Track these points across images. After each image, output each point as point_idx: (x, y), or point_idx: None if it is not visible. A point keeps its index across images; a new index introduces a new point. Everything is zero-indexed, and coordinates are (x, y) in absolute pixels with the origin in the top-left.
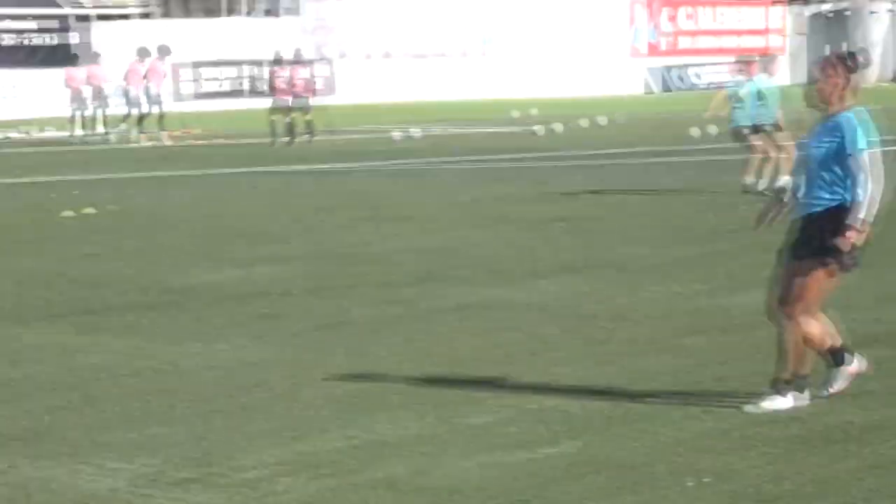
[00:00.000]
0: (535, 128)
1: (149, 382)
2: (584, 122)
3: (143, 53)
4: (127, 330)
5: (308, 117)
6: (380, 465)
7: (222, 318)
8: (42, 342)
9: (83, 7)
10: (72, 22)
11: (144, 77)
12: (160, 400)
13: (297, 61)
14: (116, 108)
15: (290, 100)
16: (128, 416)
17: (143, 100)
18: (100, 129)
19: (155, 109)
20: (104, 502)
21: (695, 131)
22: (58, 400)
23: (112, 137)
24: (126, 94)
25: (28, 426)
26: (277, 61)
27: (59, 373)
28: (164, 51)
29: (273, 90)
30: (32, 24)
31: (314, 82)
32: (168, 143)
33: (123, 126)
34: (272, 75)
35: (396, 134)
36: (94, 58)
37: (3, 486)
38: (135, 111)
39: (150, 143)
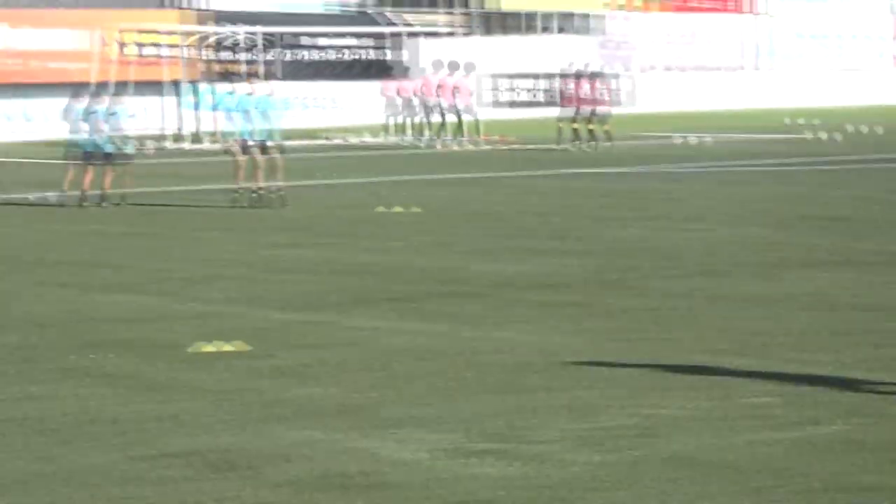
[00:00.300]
0: (807, 135)
1: (448, 364)
2: (862, 129)
3: (452, 67)
4: (430, 316)
5: (592, 126)
6: (658, 441)
7: (516, 306)
8: (357, 326)
9: (397, 26)
10: (387, 40)
11: (453, 89)
12: (459, 380)
13: (585, 75)
14: (424, 116)
15: (583, 109)
16: (430, 394)
17: (450, 109)
18: (408, 135)
19: (464, 118)
20: (411, 469)
21: None
22: (371, 379)
23: (421, 143)
24: (436, 104)
25: (344, 401)
26: (577, 74)
27: (372, 355)
28: (469, 67)
29: (564, 100)
30: (353, 41)
31: (603, 93)
32: (472, 147)
33: (428, 134)
34: (566, 86)
35: (678, 139)
36: (405, 71)
37: (318, 451)
38: (443, 119)
39: (456, 148)
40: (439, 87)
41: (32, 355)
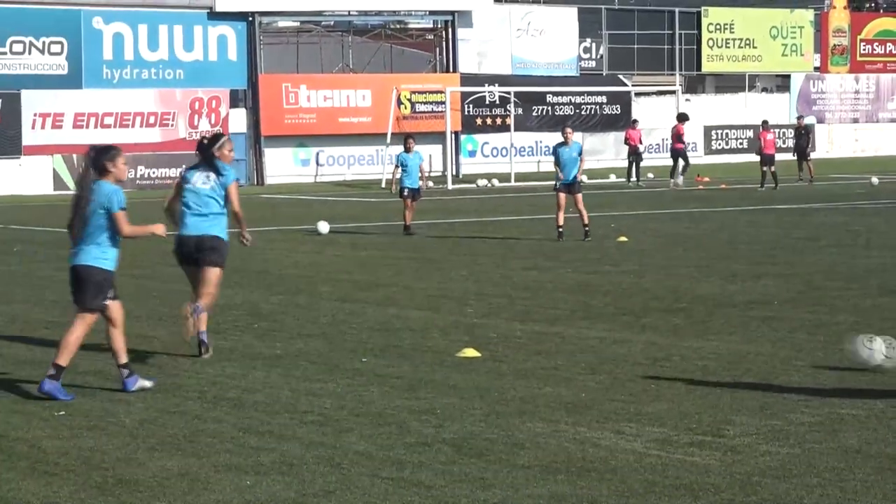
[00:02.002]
0: None
1: (659, 368)
2: None
3: (682, 118)
4: (649, 329)
5: (773, 168)
6: (837, 436)
7: (720, 320)
8: (584, 336)
9: (631, 86)
10: (626, 96)
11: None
12: (665, 382)
13: (768, 127)
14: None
15: (772, 155)
16: (644, 394)
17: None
18: (633, 177)
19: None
20: (626, 457)
21: None
22: (595, 381)
23: (642, 183)
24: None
25: (572, 399)
26: (765, 124)
27: (596, 360)
28: (682, 118)
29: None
30: (593, 98)
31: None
32: (700, 187)
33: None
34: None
35: (874, 180)
36: (633, 123)
37: (550, 441)
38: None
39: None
40: (679, 135)
41: (329, 357)
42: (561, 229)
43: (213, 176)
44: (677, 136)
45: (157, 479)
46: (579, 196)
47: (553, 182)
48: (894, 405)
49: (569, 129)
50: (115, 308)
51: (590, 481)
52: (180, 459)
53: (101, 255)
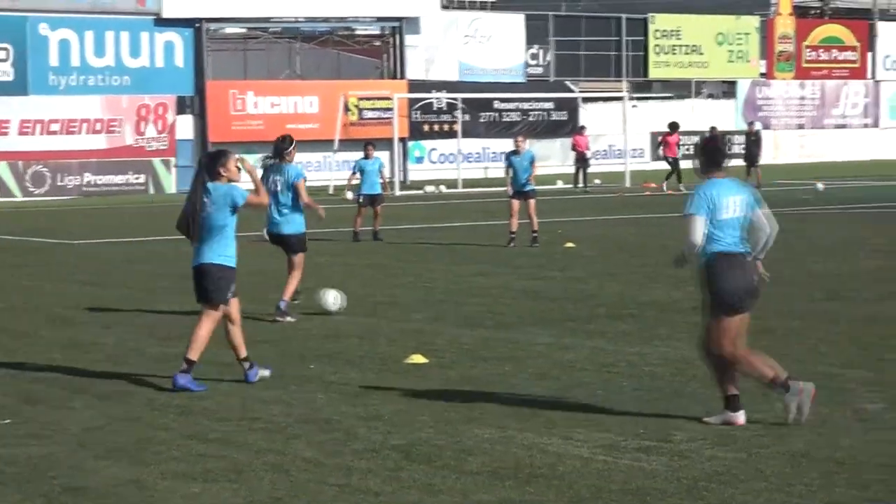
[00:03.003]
0: None
1: (606, 374)
2: None
3: (673, 127)
4: (596, 335)
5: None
6: (783, 441)
7: (667, 326)
8: (532, 342)
9: (578, 92)
10: (573, 103)
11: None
12: (613, 388)
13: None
14: (598, 167)
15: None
16: (591, 400)
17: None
18: (580, 183)
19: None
20: (574, 462)
21: None
22: (542, 387)
23: (589, 189)
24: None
25: (519, 405)
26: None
27: (544, 366)
28: (674, 126)
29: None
30: (539, 105)
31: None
32: (647, 193)
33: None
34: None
35: (820, 185)
36: (580, 129)
37: (498, 447)
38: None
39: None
40: (667, 144)
41: (277, 364)
42: (513, 235)
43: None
44: (669, 145)
45: (105, 486)
46: (532, 202)
47: (505, 189)
48: (839, 410)
49: (520, 138)
50: (234, 305)
51: (538, 487)
52: (128, 467)
53: (224, 253)
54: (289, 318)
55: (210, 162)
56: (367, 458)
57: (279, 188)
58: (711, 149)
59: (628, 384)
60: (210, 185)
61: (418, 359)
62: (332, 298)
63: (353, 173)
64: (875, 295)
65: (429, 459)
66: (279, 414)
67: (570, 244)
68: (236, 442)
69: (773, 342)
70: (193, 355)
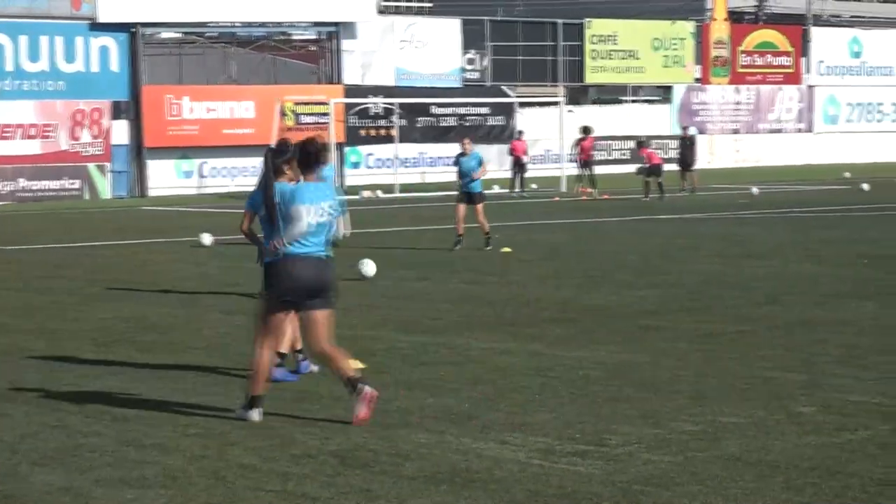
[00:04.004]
0: (864, 185)
1: (543, 378)
2: None
3: (586, 131)
4: (532, 339)
5: (660, 179)
6: (719, 444)
7: (604, 330)
8: (469, 347)
9: (515, 97)
10: (510, 107)
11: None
12: (549, 392)
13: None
14: (536, 172)
15: (659, 166)
16: (528, 404)
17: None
18: (517, 188)
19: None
20: (510, 467)
21: None
22: (479, 391)
23: (526, 194)
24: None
25: (456, 410)
26: (640, 143)
27: (480, 371)
28: (587, 130)
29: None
30: (476, 109)
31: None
32: (583, 198)
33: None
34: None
35: (755, 190)
36: (518, 134)
37: (435, 451)
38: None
39: (584, 198)
40: (582, 147)
41: (213, 370)
42: (459, 238)
43: None
44: (583, 149)
45: (39, 494)
46: (479, 207)
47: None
48: (775, 413)
49: (466, 140)
50: None
51: (474, 491)
52: (62, 474)
53: None
54: None
55: (274, 157)
56: (303, 463)
57: None
58: (304, 153)
59: (564, 388)
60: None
61: (355, 364)
62: (371, 267)
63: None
64: (810, 298)
65: (365, 465)
66: (215, 420)
67: (507, 249)
68: (171, 448)
69: (710, 345)
70: (283, 349)
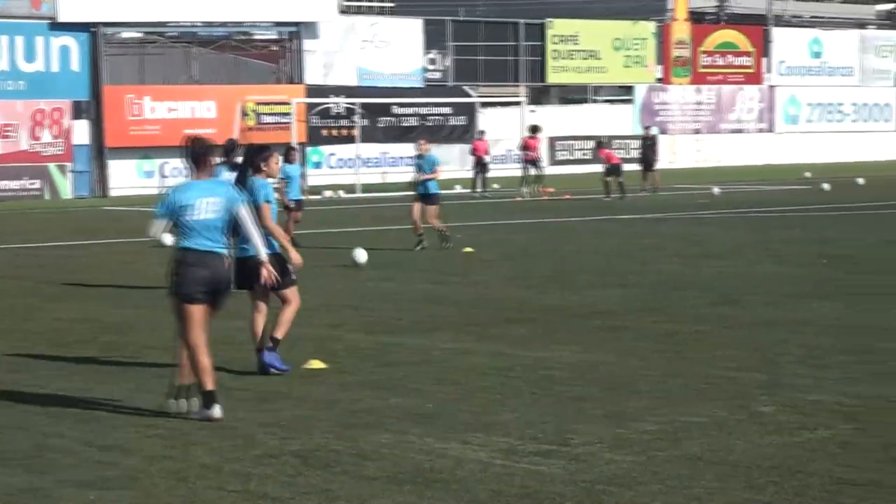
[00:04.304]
0: (824, 185)
1: (505, 378)
2: (859, 181)
3: (535, 130)
4: (495, 339)
5: (621, 179)
6: (681, 444)
7: (566, 330)
8: (431, 347)
9: (476, 97)
10: (472, 107)
11: (533, 147)
12: (511, 392)
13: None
14: (498, 172)
15: (619, 165)
16: (491, 404)
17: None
18: (479, 188)
19: (535, 172)
20: (472, 467)
21: None
22: (442, 391)
23: (488, 194)
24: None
25: (418, 410)
26: (599, 143)
27: (442, 371)
28: (535, 129)
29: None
30: (438, 109)
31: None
32: (545, 198)
33: (497, 186)
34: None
35: (716, 190)
36: (479, 134)
37: (397, 452)
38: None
39: (529, 198)
40: (528, 146)
41: (174, 370)
42: (420, 237)
43: None
44: (530, 147)
45: (1, 495)
46: (432, 209)
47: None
48: (736, 413)
49: (422, 141)
50: (262, 295)
51: (436, 492)
52: (24, 475)
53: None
54: None
55: (251, 155)
56: (265, 463)
57: None
58: (192, 151)
59: (527, 388)
60: (250, 179)
61: (317, 364)
62: (362, 256)
63: (282, 179)
64: (770, 298)
65: (327, 465)
66: (177, 420)
67: (468, 249)
68: (133, 449)
69: (672, 345)
70: (279, 334)
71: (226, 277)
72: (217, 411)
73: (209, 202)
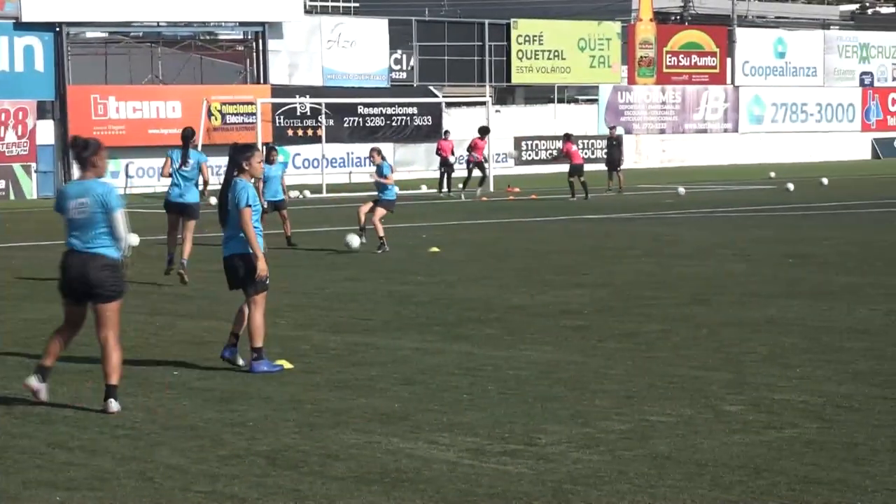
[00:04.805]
0: (789, 185)
1: (472, 378)
2: (824, 181)
3: (483, 132)
4: (462, 339)
5: (583, 178)
6: (647, 443)
7: (533, 330)
8: (398, 347)
9: (442, 97)
10: (437, 107)
11: (480, 149)
12: (478, 392)
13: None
14: (463, 172)
15: (581, 165)
16: (458, 404)
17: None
18: (445, 188)
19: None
20: (440, 467)
21: None
22: (409, 391)
23: (454, 194)
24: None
25: (386, 410)
26: (567, 136)
27: (409, 371)
28: (484, 131)
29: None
30: (403, 110)
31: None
32: (511, 198)
33: (462, 186)
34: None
35: (681, 190)
36: (445, 134)
37: (364, 452)
38: (477, 174)
39: (486, 199)
40: (475, 147)
41: (140, 371)
42: (381, 240)
43: None
44: (478, 148)
45: None
46: (380, 211)
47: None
48: (702, 412)
49: (374, 151)
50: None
51: (404, 492)
52: None
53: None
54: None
55: (234, 154)
56: (232, 464)
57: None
58: (74, 152)
59: (494, 388)
60: (235, 179)
61: (284, 364)
62: (356, 240)
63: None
64: (735, 298)
65: (294, 465)
66: (143, 421)
67: (435, 249)
68: (99, 450)
69: (639, 345)
70: (258, 343)
71: (94, 278)
72: (113, 405)
73: (80, 202)
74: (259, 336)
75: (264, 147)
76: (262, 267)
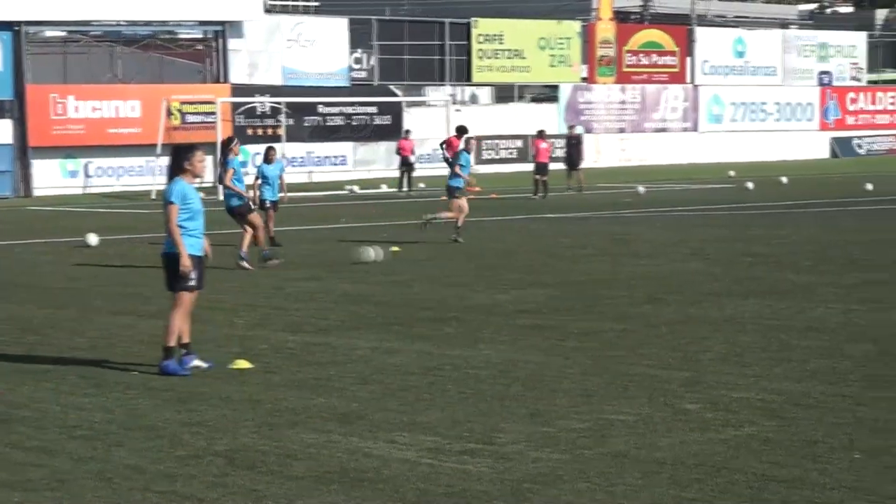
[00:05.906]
0: (748, 184)
1: (433, 378)
2: (783, 179)
3: (461, 131)
4: (420, 338)
5: (545, 178)
6: (606, 441)
7: (491, 329)
8: (356, 346)
9: (402, 97)
10: (397, 107)
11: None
12: (441, 391)
13: (548, 135)
14: (423, 171)
15: (546, 164)
16: (417, 403)
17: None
18: (405, 187)
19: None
20: (400, 466)
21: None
22: (367, 391)
23: (414, 193)
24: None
25: (344, 409)
26: (540, 134)
27: (367, 370)
28: (462, 130)
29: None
30: (364, 109)
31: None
32: (471, 196)
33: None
34: (535, 145)
35: (641, 189)
36: (405, 134)
37: (323, 451)
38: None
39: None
40: (449, 145)
41: (98, 371)
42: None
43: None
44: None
45: None
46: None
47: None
48: (661, 410)
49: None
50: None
51: (363, 491)
52: None
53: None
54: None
55: (176, 155)
56: (190, 464)
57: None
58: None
59: (453, 387)
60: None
61: (243, 364)
62: (374, 253)
63: (257, 178)
64: (693, 297)
65: (253, 465)
66: (101, 421)
67: (395, 248)
68: (57, 450)
69: (597, 343)
70: (168, 342)
71: None
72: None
73: None
74: (170, 336)
75: (265, 147)
76: (184, 264)
